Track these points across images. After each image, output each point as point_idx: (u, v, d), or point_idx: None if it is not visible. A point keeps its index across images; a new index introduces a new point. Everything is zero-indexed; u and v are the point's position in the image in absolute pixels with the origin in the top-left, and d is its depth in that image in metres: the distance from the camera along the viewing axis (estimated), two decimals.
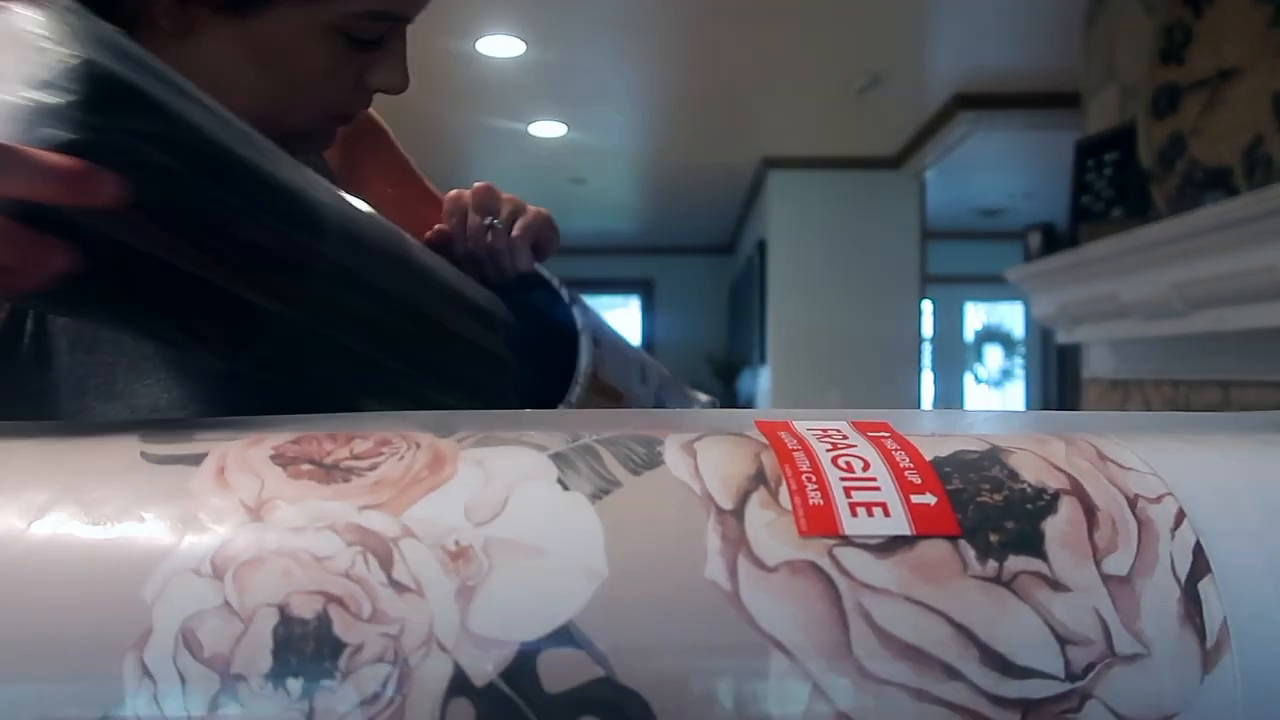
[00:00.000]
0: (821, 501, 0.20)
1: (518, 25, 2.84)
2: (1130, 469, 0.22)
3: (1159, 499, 0.21)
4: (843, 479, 0.21)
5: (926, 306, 4.81)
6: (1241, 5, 1.90)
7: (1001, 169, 4.67)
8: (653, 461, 0.22)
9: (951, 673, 0.18)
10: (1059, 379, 6.18)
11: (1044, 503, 0.21)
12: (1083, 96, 2.57)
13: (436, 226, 0.63)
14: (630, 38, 2.99)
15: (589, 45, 3.06)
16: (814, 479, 0.21)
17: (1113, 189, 2.30)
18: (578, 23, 2.86)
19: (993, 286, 4.64)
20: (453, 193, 0.62)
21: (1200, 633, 0.20)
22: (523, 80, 3.28)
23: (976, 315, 7.11)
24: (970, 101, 3.49)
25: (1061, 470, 0.22)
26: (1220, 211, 1.72)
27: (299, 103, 0.52)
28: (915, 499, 0.20)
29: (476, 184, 0.60)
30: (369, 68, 0.53)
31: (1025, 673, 0.19)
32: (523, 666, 0.17)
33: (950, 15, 2.82)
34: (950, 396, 6.77)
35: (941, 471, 0.22)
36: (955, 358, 6.97)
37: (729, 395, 6.03)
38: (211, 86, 0.49)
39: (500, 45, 2.97)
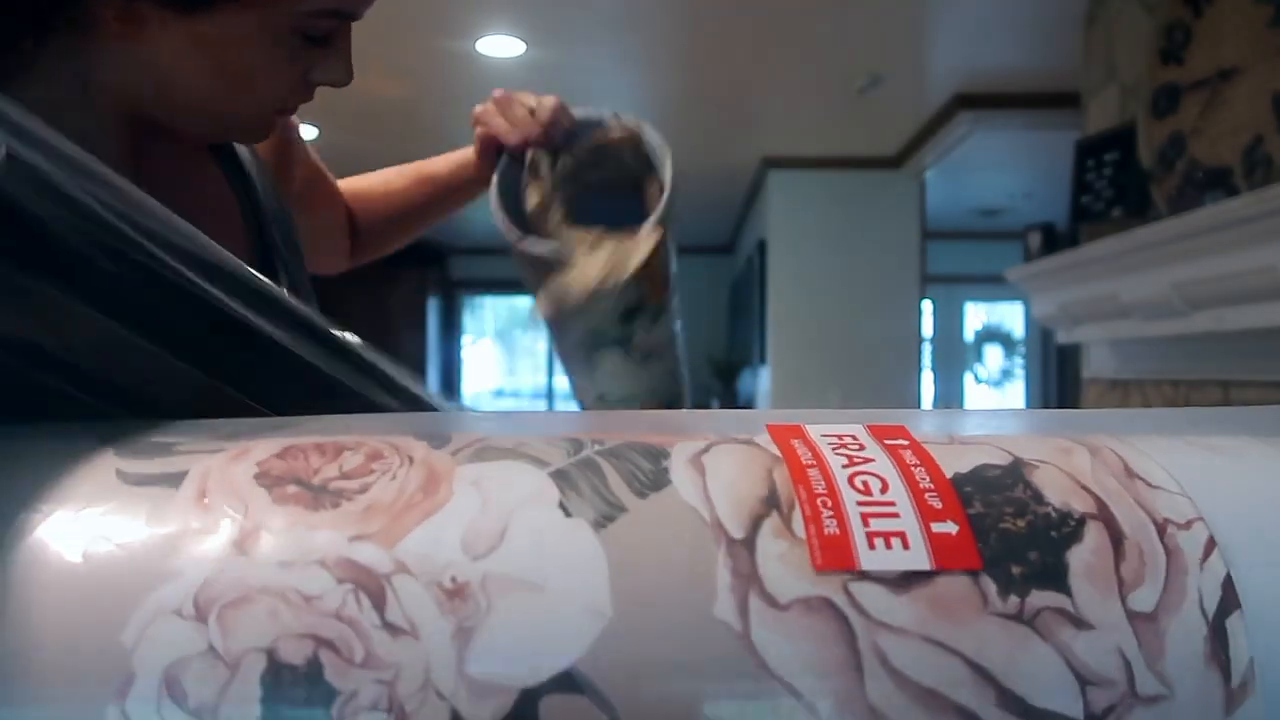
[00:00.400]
0: (838, 531, 0.19)
1: (518, 25, 2.83)
2: (1159, 488, 0.22)
3: (1188, 524, 0.20)
4: (860, 503, 0.20)
5: (926, 306, 4.80)
6: (1241, 5, 1.89)
7: (1001, 169, 4.66)
8: (659, 482, 0.21)
9: (967, 716, 0.17)
10: (1059, 379, 6.18)
11: (1069, 529, 0.20)
12: (1083, 96, 2.56)
13: (479, 132, 0.76)
14: (630, 38, 2.98)
15: (589, 45, 3.05)
16: (829, 503, 0.20)
17: (1113, 189, 2.29)
18: (578, 23, 2.85)
19: (993, 286, 4.63)
20: (478, 109, 0.75)
21: (1225, 672, 0.19)
22: (523, 80, 3.27)
23: (976, 315, 7.11)
24: (970, 101, 3.48)
25: (1088, 490, 0.21)
26: (1220, 211, 1.71)
27: (245, 97, 0.52)
28: (936, 528, 0.19)
29: (494, 93, 0.72)
30: (315, 63, 0.54)
31: (1043, 715, 0.18)
32: (523, 713, 0.16)
33: (950, 15, 2.81)
34: (950, 396, 6.76)
35: (962, 492, 0.21)
36: (955, 358, 6.96)
37: (729, 395, 6.02)
38: (159, 83, 0.50)
39: (500, 45, 2.96)
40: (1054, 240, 2.60)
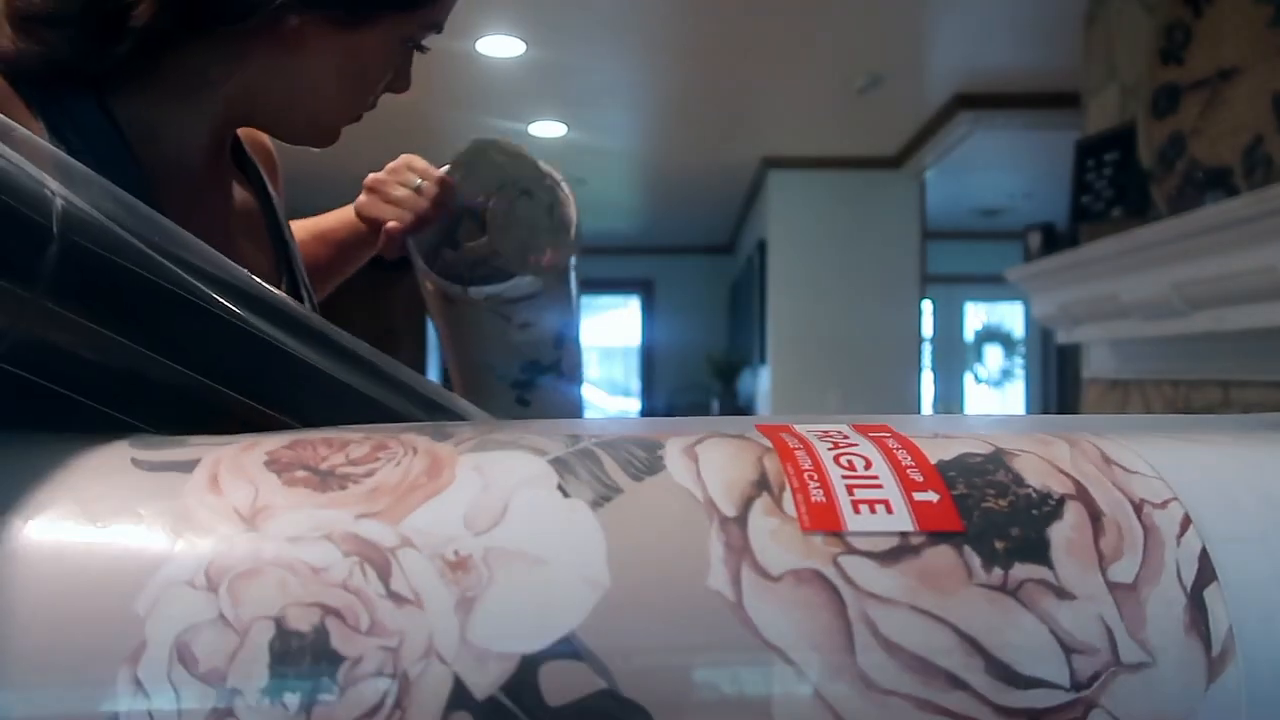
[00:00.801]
0: (824, 499, 0.20)
1: (518, 25, 2.84)
2: (1135, 472, 0.22)
3: (1164, 504, 0.21)
4: (845, 476, 0.21)
5: (926, 306, 4.81)
6: (1241, 5, 1.90)
7: (1001, 169, 4.66)
8: (654, 467, 0.22)
9: (956, 683, 0.18)
10: (1059, 379, 6.18)
11: (1049, 508, 0.20)
12: (1083, 96, 2.57)
13: (364, 216, 0.75)
14: (630, 38, 2.99)
15: (589, 45, 3.06)
16: (816, 476, 0.21)
17: (1113, 189, 2.29)
18: (578, 23, 2.85)
19: (993, 286, 4.63)
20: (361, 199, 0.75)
21: (1205, 641, 0.19)
22: (523, 80, 3.28)
23: (976, 315, 7.11)
24: (970, 101, 3.49)
25: (1066, 474, 0.22)
26: (1220, 211, 1.71)
27: (359, 104, 0.57)
28: (918, 496, 0.20)
29: (367, 182, 0.71)
30: (394, 76, 0.59)
31: (1030, 682, 0.18)
32: (524, 679, 0.17)
33: (950, 15, 2.82)
34: (950, 396, 6.77)
35: (946, 475, 0.22)
36: (955, 358, 6.96)
37: (729, 395, 6.03)
38: (292, 91, 0.53)
39: (500, 45, 2.97)
40: (1054, 240, 2.61)
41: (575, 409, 0.77)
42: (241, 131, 0.65)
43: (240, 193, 0.63)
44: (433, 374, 6.58)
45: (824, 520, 0.20)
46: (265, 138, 0.71)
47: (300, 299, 0.62)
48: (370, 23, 0.52)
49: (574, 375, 0.75)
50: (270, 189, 0.66)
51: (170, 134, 0.53)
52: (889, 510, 0.20)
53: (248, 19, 0.48)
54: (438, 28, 0.58)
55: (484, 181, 0.74)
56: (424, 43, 0.59)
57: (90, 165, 0.48)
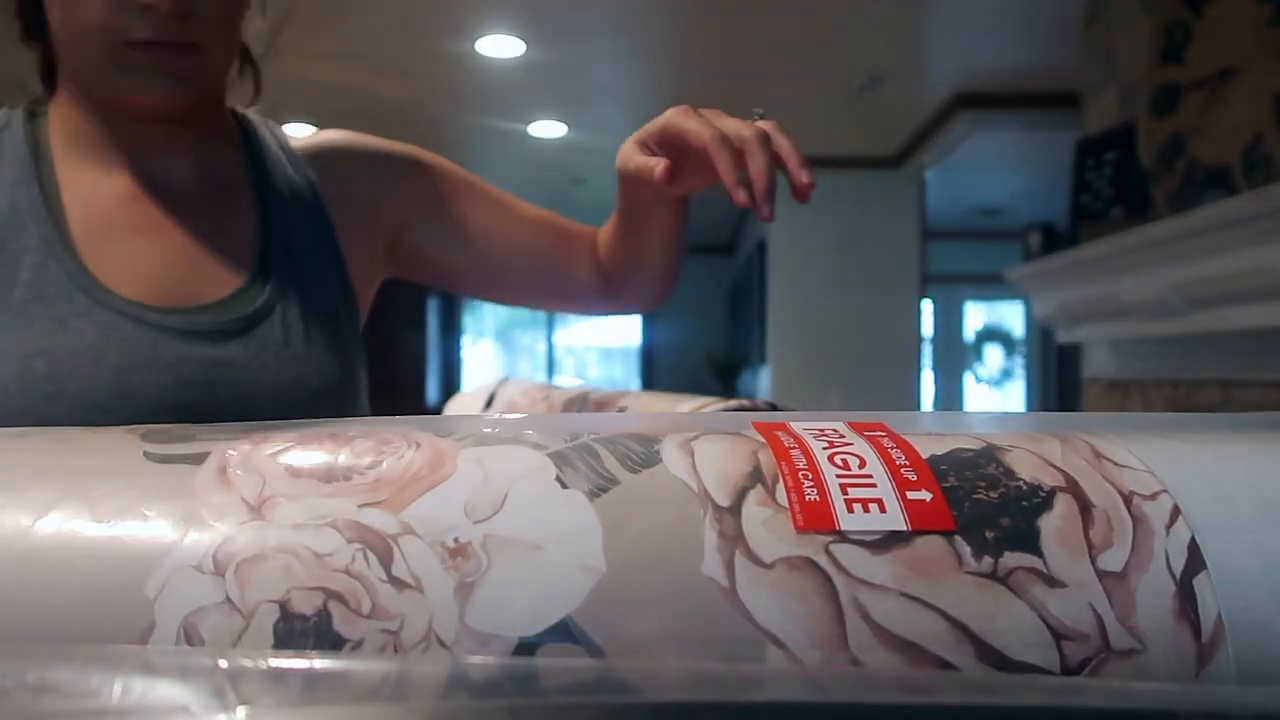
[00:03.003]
0: (818, 498, 0.20)
1: (517, 25, 2.84)
2: (1125, 466, 0.22)
3: (1154, 496, 0.21)
4: (839, 475, 0.21)
5: (926, 306, 4.81)
6: (1241, 5, 1.90)
7: (1001, 169, 4.67)
8: (650, 460, 0.22)
9: (947, 668, 0.18)
10: (1059, 379, 6.18)
11: (1040, 499, 0.21)
12: (1082, 96, 2.57)
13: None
14: (630, 38, 2.99)
15: (589, 45, 3.06)
16: (810, 476, 0.21)
17: (1113, 189, 2.30)
18: (578, 23, 2.86)
19: (993, 286, 4.64)
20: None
21: (1195, 628, 0.20)
22: (523, 80, 3.28)
23: (976, 315, 7.11)
24: (970, 101, 3.49)
25: (1057, 468, 0.22)
26: (1220, 211, 1.72)
27: (84, 25, 0.57)
28: (911, 495, 0.20)
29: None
30: None
31: (1020, 668, 0.19)
32: (521, 661, 0.17)
33: (950, 15, 2.82)
34: (950, 396, 6.77)
35: (938, 469, 0.22)
36: (955, 358, 6.97)
37: (729, 395, 6.02)
38: (58, 49, 0.57)
39: (500, 45, 2.97)
40: (1054, 240, 2.61)
41: None
42: (306, 142, 0.68)
43: (224, 170, 0.64)
44: (432, 377, 6.58)
45: (818, 519, 0.20)
46: (326, 138, 0.71)
47: (263, 291, 0.60)
48: None
49: None
50: (277, 172, 0.66)
51: (75, 118, 0.59)
52: (882, 509, 0.20)
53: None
54: None
55: None
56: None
57: None
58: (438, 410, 4.74)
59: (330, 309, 0.64)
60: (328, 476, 0.21)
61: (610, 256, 0.79)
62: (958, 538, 0.20)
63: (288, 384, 0.59)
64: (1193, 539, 0.20)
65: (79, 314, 0.54)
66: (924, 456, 0.22)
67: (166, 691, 0.15)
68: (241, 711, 0.14)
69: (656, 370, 7.25)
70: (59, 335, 0.53)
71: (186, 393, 0.55)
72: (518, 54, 3.06)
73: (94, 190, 0.59)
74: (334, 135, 0.70)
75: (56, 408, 0.52)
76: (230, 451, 0.22)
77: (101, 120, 0.59)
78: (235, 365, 0.57)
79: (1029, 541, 0.20)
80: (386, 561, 0.18)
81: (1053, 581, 0.19)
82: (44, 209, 0.56)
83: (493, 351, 8.14)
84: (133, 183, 0.60)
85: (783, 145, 0.52)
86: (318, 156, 0.69)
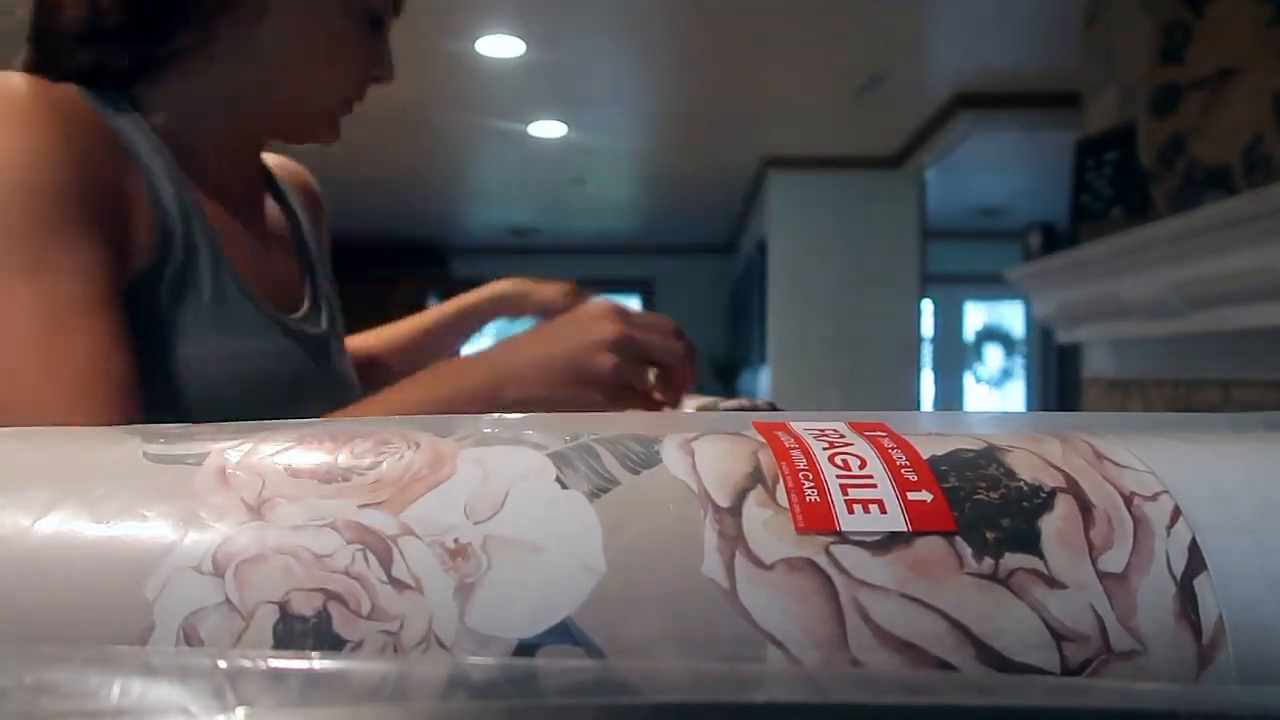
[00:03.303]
0: (818, 498, 0.20)
1: (517, 25, 2.84)
2: (1126, 467, 0.22)
3: (1154, 496, 0.21)
4: (839, 477, 0.21)
5: (926, 306, 4.81)
6: (1241, 5, 1.90)
7: (1001, 169, 4.67)
8: (650, 460, 0.22)
9: (948, 669, 0.18)
10: (1059, 379, 6.18)
11: (1040, 500, 0.21)
12: (1082, 96, 2.57)
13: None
14: (630, 38, 3.00)
15: (589, 45, 3.06)
16: (811, 476, 0.21)
17: (1113, 189, 2.30)
18: (578, 23, 2.86)
19: (993, 286, 4.64)
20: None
21: (1196, 630, 0.20)
22: (522, 80, 3.28)
23: (976, 315, 7.11)
24: (970, 101, 3.49)
25: (1058, 468, 0.22)
26: (1220, 211, 1.72)
27: (328, 78, 0.59)
28: (912, 496, 0.20)
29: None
30: (371, 57, 0.61)
31: (1021, 669, 0.19)
32: (521, 663, 0.17)
33: (950, 15, 2.82)
34: (950, 396, 6.77)
35: (938, 470, 0.22)
36: (955, 358, 6.97)
37: (729, 396, 6.03)
38: (276, 71, 0.57)
39: (500, 45, 2.97)
40: (1054, 240, 2.61)
41: None
42: (281, 169, 0.71)
43: (271, 207, 0.67)
44: None
45: (818, 520, 0.20)
46: (307, 176, 0.75)
47: (321, 315, 0.65)
48: None
49: None
50: (300, 214, 0.69)
51: (192, 133, 0.57)
52: (883, 510, 0.20)
53: (190, 30, 0.53)
54: (392, 7, 0.61)
55: None
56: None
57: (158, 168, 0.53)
58: None
59: (341, 331, 0.68)
60: (327, 477, 0.21)
61: (396, 360, 0.81)
62: (958, 538, 0.20)
63: (347, 403, 0.61)
64: (1193, 539, 0.20)
65: (252, 320, 0.55)
66: (924, 457, 0.22)
67: (166, 692, 0.15)
68: (241, 712, 0.14)
69: None
70: (251, 340, 0.54)
71: (325, 406, 0.57)
72: (517, 54, 3.06)
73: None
74: (305, 172, 0.74)
75: (259, 407, 0.53)
76: (230, 452, 0.22)
77: (213, 139, 0.59)
78: (346, 384, 0.64)
79: (1030, 542, 0.20)
80: (386, 562, 0.18)
81: (1053, 582, 0.19)
82: (203, 213, 0.55)
83: None
84: (228, 200, 0.60)
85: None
86: (303, 190, 0.73)
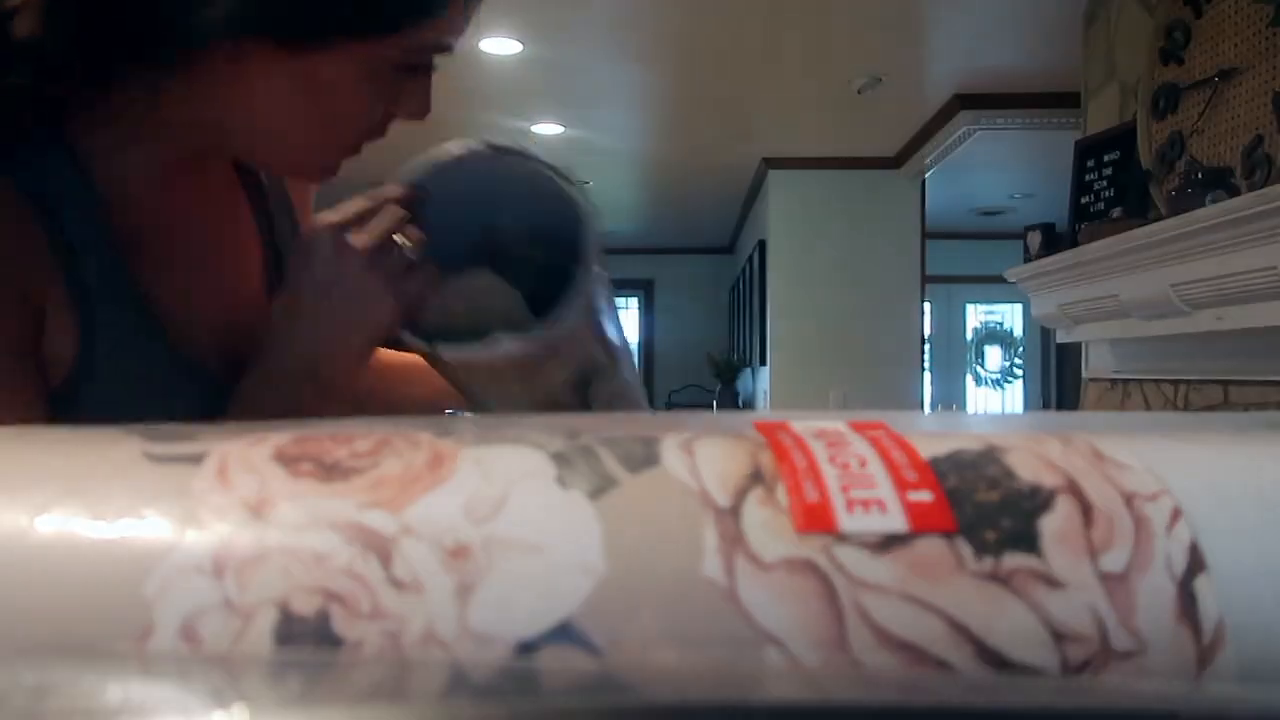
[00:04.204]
0: (818, 499, 0.20)
1: (516, 25, 2.84)
2: (1126, 467, 0.22)
3: (1155, 496, 0.21)
4: (839, 477, 0.21)
5: (926, 306, 4.81)
6: (1241, 5, 1.90)
7: (1001, 169, 4.67)
8: (650, 460, 0.22)
9: (947, 669, 0.18)
10: (1059, 379, 6.18)
11: (1040, 500, 0.21)
12: (1083, 96, 2.57)
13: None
14: (630, 38, 3.00)
15: (589, 45, 3.06)
16: (811, 476, 0.21)
17: (1113, 189, 2.30)
18: (577, 23, 2.86)
19: (993, 286, 4.64)
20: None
21: (1196, 630, 0.20)
22: (522, 80, 3.28)
23: (976, 315, 7.11)
24: (970, 101, 3.49)
25: (1058, 468, 0.22)
26: (1220, 211, 1.72)
27: (330, 140, 0.52)
28: (912, 496, 0.20)
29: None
30: (398, 98, 0.53)
31: (1021, 669, 0.19)
32: (521, 663, 0.17)
33: (950, 15, 2.82)
34: (950, 396, 6.77)
35: (938, 470, 0.22)
36: (955, 358, 6.97)
37: (729, 395, 6.03)
38: (249, 123, 0.49)
39: (499, 45, 2.97)
40: (1054, 240, 2.61)
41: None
42: None
43: (238, 222, 0.60)
44: None
45: (818, 521, 0.20)
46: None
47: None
48: (319, 49, 0.46)
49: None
50: (276, 217, 0.63)
51: (132, 163, 0.51)
52: (883, 510, 0.20)
53: (173, 46, 0.45)
54: (440, 48, 0.52)
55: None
56: (432, 62, 0.54)
57: (48, 194, 0.46)
58: None
59: None
60: (327, 477, 0.21)
61: None
62: (958, 539, 0.20)
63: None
64: (1193, 540, 0.20)
65: (166, 377, 0.55)
66: (924, 457, 0.22)
67: (166, 692, 0.15)
68: (241, 712, 0.14)
69: (656, 370, 7.26)
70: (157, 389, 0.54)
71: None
72: (516, 53, 3.06)
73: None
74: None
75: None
76: (230, 451, 0.22)
77: (172, 168, 0.53)
78: None
79: (1030, 542, 0.20)
80: (386, 562, 0.18)
81: (1053, 583, 0.19)
82: (131, 273, 0.51)
83: None
84: (177, 222, 0.56)
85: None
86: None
